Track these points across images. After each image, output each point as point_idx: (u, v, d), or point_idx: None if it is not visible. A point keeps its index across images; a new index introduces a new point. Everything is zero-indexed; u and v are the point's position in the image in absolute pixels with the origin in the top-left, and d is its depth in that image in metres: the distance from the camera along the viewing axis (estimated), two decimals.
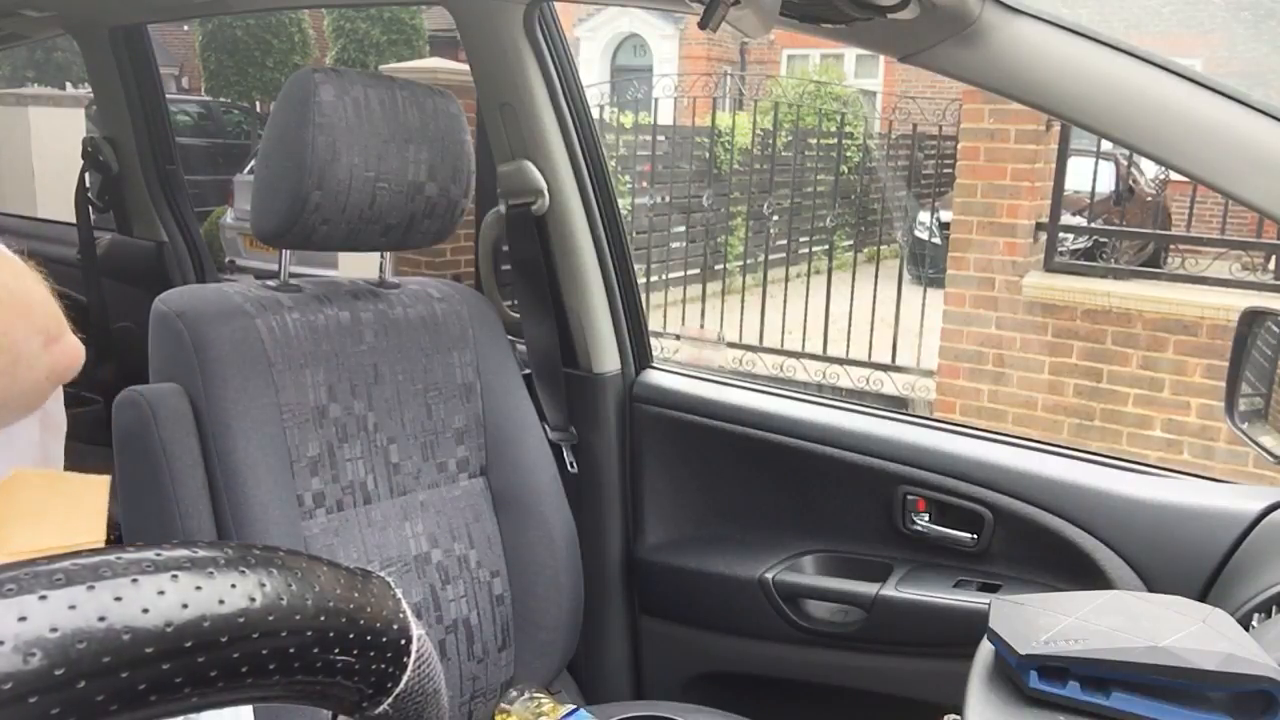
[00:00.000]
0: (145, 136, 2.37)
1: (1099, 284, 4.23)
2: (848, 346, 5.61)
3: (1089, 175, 4.61)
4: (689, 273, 6.97)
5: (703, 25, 0.94)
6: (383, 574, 0.38)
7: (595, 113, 5.24)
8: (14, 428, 0.68)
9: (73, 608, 0.27)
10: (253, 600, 0.31)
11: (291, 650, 0.32)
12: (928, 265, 5.83)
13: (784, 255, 7.22)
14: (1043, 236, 4.35)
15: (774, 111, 6.93)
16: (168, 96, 2.55)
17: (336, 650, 0.33)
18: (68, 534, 0.54)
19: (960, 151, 4.41)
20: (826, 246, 6.48)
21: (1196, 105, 0.91)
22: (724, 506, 1.59)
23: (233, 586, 0.30)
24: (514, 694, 1.35)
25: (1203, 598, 1.12)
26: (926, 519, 1.40)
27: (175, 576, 0.29)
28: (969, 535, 1.36)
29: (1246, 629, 0.85)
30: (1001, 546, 1.34)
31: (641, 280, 3.65)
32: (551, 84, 1.53)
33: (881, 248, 6.76)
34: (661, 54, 13.32)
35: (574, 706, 1.34)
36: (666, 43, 13.35)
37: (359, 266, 3.24)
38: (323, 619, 0.33)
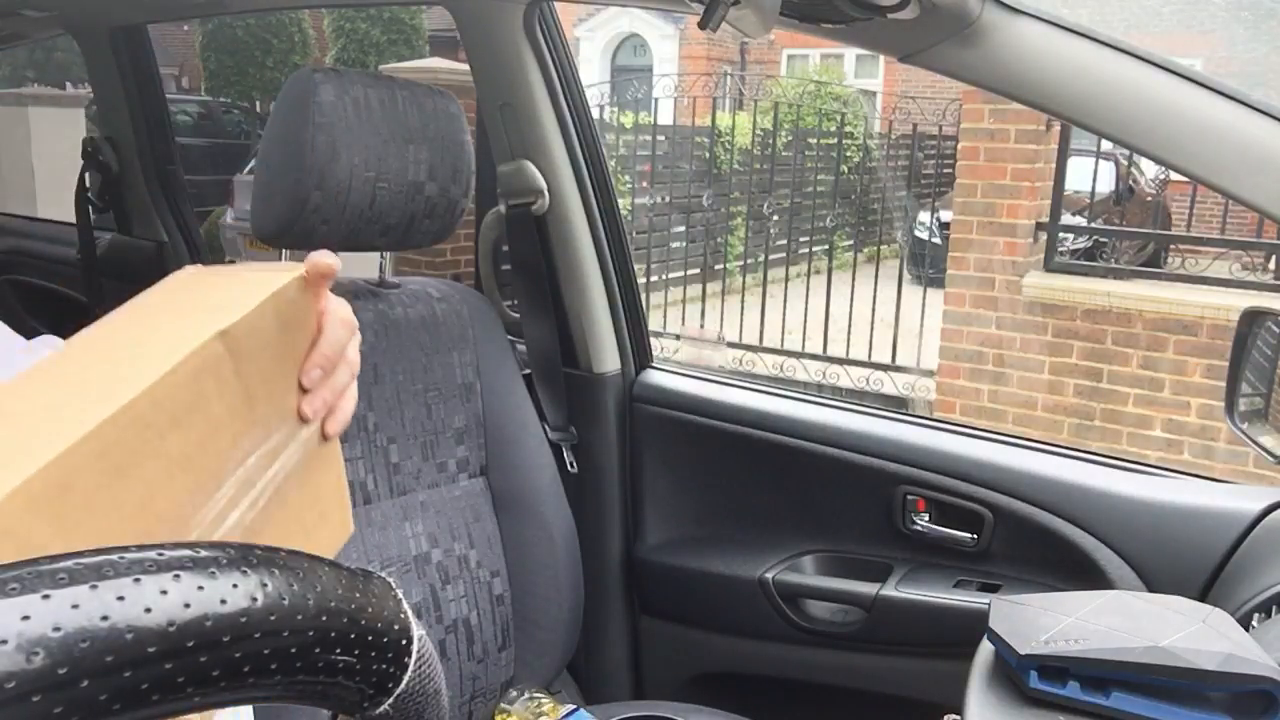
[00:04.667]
0: (145, 136, 2.37)
1: (1099, 284, 4.23)
2: (848, 346, 5.61)
3: (1089, 175, 4.62)
4: (689, 273, 6.97)
5: (703, 25, 0.94)
6: (383, 574, 0.38)
7: (595, 113, 5.24)
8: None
9: (76, 607, 0.27)
10: (255, 600, 0.31)
11: (293, 650, 0.32)
12: (928, 265, 5.82)
13: (784, 255, 7.22)
14: (1043, 236, 4.35)
15: (774, 111, 6.93)
16: (168, 96, 2.54)
17: (338, 650, 0.33)
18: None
19: (960, 151, 4.41)
20: (826, 246, 6.48)
21: (1196, 105, 0.91)
22: (724, 506, 1.59)
23: (235, 586, 0.31)
24: (514, 694, 1.35)
25: (1203, 598, 1.12)
26: (926, 519, 1.40)
27: (178, 576, 0.29)
28: (969, 535, 1.36)
29: (1246, 629, 0.85)
30: (1001, 546, 1.34)
31: (641, 280, 3.65)
32: (551, 84, 1.53)
33: (881, 248, 6.76)
34: (661, 54, 13.31)
35: (574, 706, 1.34)
36: (666, 43, 13.35)
37: (359, 266, 3.23)
38: (324, 619, 0.33)
